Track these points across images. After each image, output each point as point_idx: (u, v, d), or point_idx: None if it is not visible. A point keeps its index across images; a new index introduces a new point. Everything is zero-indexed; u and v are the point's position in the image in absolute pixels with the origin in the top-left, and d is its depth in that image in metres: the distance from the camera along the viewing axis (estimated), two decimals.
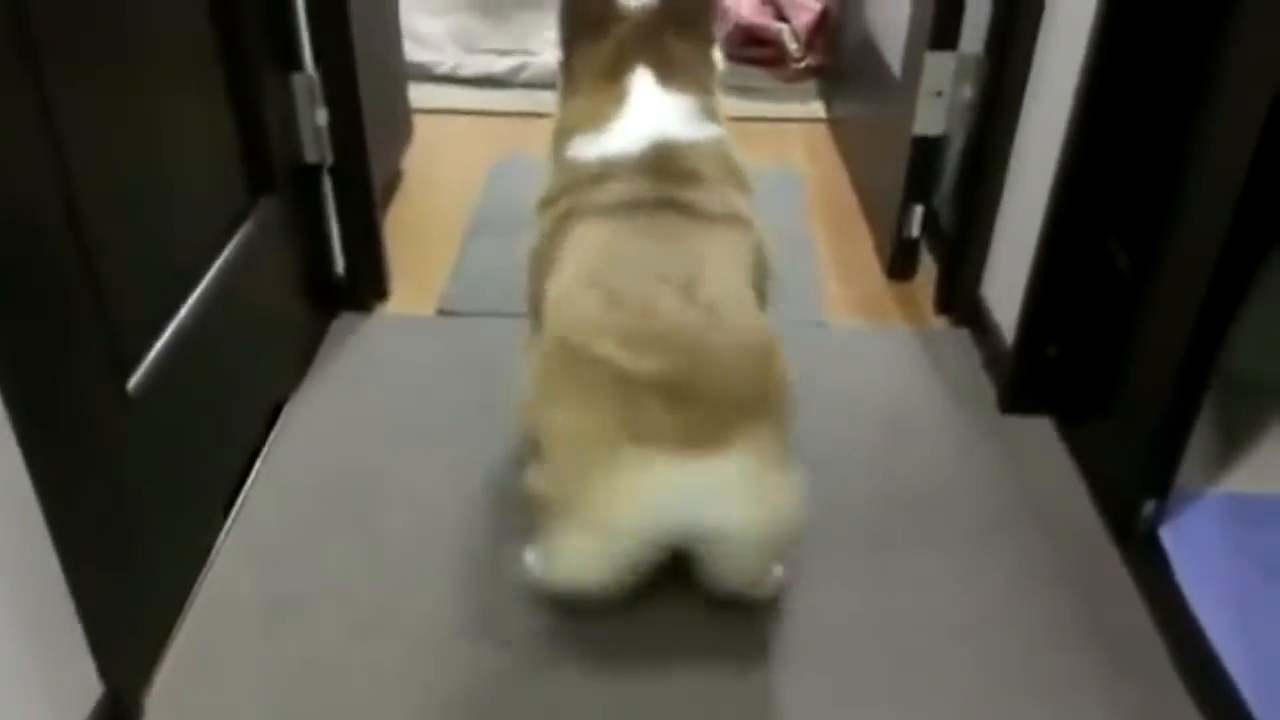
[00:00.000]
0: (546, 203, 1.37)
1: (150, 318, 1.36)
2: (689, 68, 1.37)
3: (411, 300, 2.09)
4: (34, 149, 1.08)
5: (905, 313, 2.11)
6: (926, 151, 2.05)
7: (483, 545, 1.53)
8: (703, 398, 1.07)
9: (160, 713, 1.29)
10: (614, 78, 1.34)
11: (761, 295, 1.32)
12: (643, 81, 1.34)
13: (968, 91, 1.93)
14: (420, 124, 2.62)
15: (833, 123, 2.85)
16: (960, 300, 2.04)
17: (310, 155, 1.86)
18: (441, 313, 2.06)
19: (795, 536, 1.24)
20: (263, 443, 1.70)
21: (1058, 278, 1.67)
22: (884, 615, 1.45)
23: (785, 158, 2.70)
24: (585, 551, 1.14)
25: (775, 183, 2.54)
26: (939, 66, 1.94)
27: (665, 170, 1.29)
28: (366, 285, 2.05)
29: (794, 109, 2.94)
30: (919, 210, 2.10)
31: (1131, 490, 1.53)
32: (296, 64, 1.78)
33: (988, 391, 1.87)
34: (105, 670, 1.22)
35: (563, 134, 1.39)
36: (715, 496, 1.10)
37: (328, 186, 1.92)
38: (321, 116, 1.82)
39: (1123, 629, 1.44)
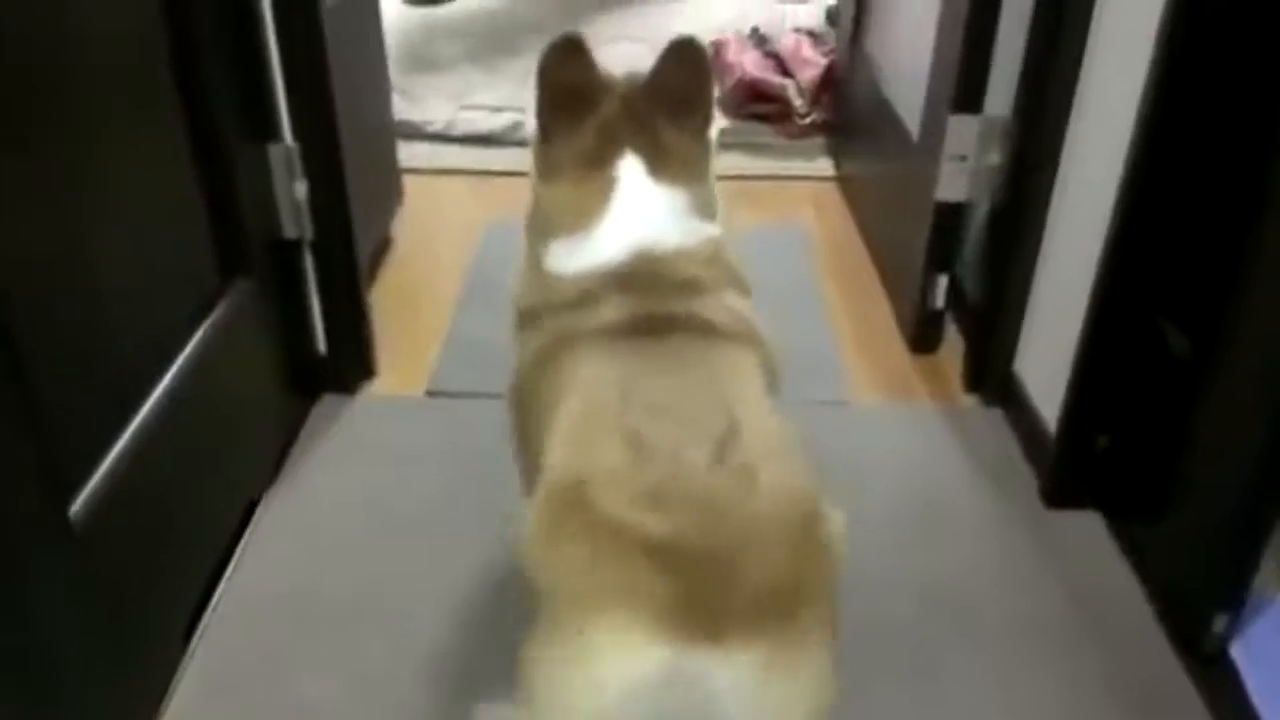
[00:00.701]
0: (526, 319, 1.18)
1: (99, 427, 1.20)
2: (684, 155, 1.17)
3: (400, 378, 1.94)
4: None
5: (931, 389, 1.97)
6: (950, 218, 1.92)
7: (477, 669, 1.37)
8: (735, 577, 0.89)
9: None
10: (598, 165, 1.15)
11: None
12: (631, 171, 1.16)
13: (995, 157, 1.80)
14: (411, 185, 2.50)
15: (842, 180, 2.73)
16: (991, 377, 1.89)
17: (289, 231, 1.72)
18: (431, 393, 1.92)
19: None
20: (232, 549, 1.54)
21: (1107, 360, 1.53)
22: None
23: (792, 217, 2.58)
24: None
25: (783, 243, 2.41)
26: (963, 130, 1.81)
27: (661, 281, 1.11)
28: (351, 365, 1.90)
29: (800, 166, 2.83)
30: (943, 280, 1.97)
31: (1199, 602, 1.38)
32: (274, 134, 1.65)
33: (1027, 479, 1.72)
34: None
35: (540, 230, 1.19)
36: (738, 695, 0.92)
37: (308, 262, 1.78)
38: (301, 189, 1.69)
39: None
